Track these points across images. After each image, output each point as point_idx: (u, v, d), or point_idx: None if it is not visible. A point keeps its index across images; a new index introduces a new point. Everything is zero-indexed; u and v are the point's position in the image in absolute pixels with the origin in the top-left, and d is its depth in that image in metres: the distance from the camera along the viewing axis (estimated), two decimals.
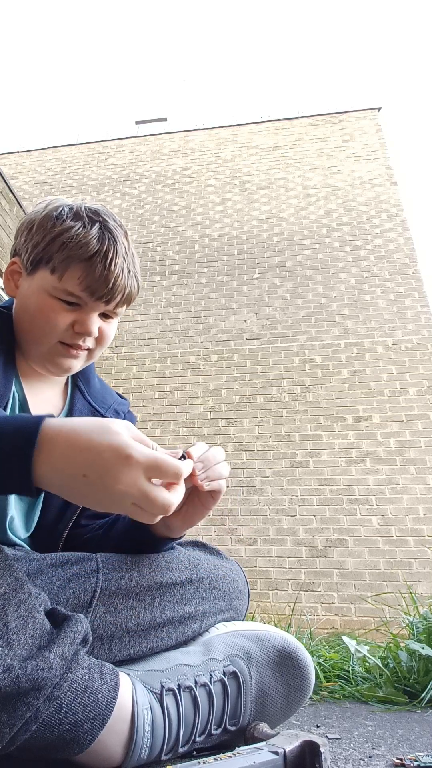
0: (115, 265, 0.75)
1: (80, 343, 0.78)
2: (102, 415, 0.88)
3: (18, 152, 9.00)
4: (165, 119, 9.71)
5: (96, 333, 0.78)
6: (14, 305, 0.82)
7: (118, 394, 1.00)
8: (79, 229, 0.74)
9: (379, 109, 8.01)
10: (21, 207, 5.31)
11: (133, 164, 8.30)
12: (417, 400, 5.31)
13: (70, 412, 0.86)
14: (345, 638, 1.65)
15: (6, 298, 0.91)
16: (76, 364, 0.81)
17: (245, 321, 6.22)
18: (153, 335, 6.29)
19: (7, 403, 0.74)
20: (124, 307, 0.81)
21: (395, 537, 4.62)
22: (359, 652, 1.55)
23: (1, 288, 4.65)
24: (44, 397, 0.83)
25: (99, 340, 0.80)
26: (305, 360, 5.79)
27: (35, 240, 0.76)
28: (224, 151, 8.07)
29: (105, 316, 0.80)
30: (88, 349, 0.80)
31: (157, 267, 6.90)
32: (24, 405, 0.78)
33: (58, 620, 0.56)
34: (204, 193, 7.59)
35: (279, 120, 8.23)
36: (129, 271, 0.78)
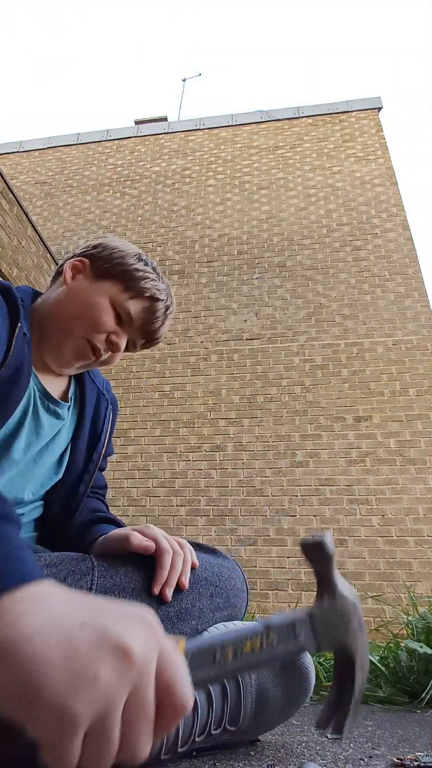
0: (167, 317, 0.92)
1: (102, 350, 0.86)
2: (102, 394, 0.99)
3: (18, 152, 8.99)
4: (165, 119, 9.71)
5: (120, 352, 0.88)
6: (54, 293, 0.90)
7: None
8: (156, 279, 0.90)
9: (379, 109, 8.01)
10: (21, 207, 5.31)
11: (133, 164, 8.30)
12: (417, 400, 5.31)
13: (82, 393, 0.95)
14: None
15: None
16: (78, 365, 0.88)
17: (245, 321, 6.22)
18: None
19: (30, 393, 0.82)
20: (142, 349, 0.95)
21: (395, 537, 4.62)
22: None
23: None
24: (54, 384, 0.90)
25: (109, 360, 0.89)
26: (305, 360, 5.79)
27: (118, 261, 0.88)
28: (224, 151, 8.06)
29: (125, 347, 0.91)
30: (95, 360, 0.87)
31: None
32: (46, 393, 0.85)
33: None
34: (204, 193, 7.59)
35: (279, 120, 8.23)
36: (167, 329, 0.95)
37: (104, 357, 0.87)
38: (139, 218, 7.53)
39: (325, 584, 0.50)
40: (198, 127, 8.50)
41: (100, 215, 7.72)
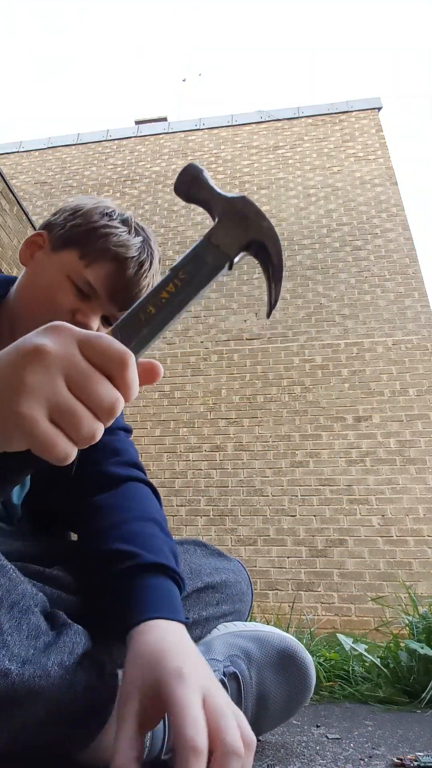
0: (144, 276, 0.74)
1: None
2: None
3: (18, 152, 8.99)
4: (165, 119, 9.71)
5: (94, 330, 0.73)
6: (20, 277, 0.79)
7: None
8: (123, 232, 0.74)
9: (379, 109, 8.01)
10: (21, 207, 5.31)
11: (133, 164, 8.30)
12: (417, 400, 5.31)
13: None
14: (340, 636, 1.65)
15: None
16: None
17: (245, 321, 6.22)
18: None
19: None
20: None
21: (395, 537, 4.62)
22: (355, 650, 1.56)
23: None
24: None
25: None
26: (305, 360, 5.79)
27: (76, 222, 0.74)
28: (224, 151, 8.06)
29: (106, 321, 0.76)
30: None
31: None
32: None
33: (57, 624, 0.55)
34: None
35: (279, 120, 8.23)
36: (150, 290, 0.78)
37: None
38: (139, 218, 7.51)
39: (211, 204, 0.49)
40: (198, 127, 8.51)
41: None
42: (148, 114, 10.21)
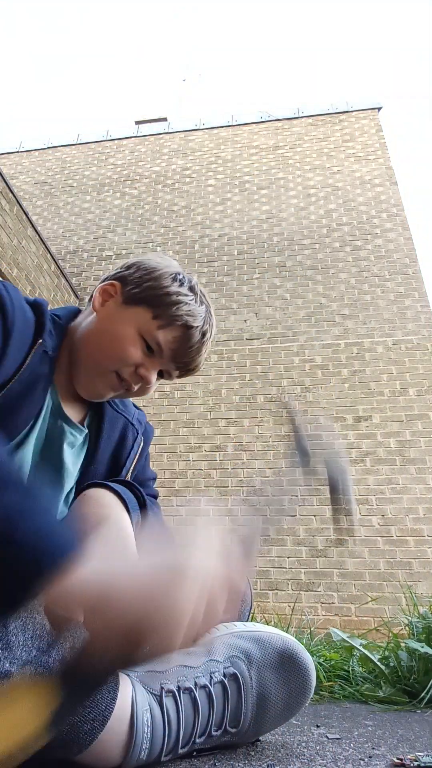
0: (204, 344, 0.86)
1: (132, 383, 0.82)
2: (132, 424, 0.94)
3: (18, 152, 8.99)
4: (165, 119, 9.71)
5: (151, 384, 0.83)
6: (86, 320, 0.85)
7: (134, 404, 1.02)
8: (192, 300, 0.84)
9: (379, 109, 8.01)
10: (21, 207, 5.31)
11: (133, 164, 8.30)
12: (417, 400, 5.31)
13: (99, 422, 0.88)
14: (333, 629, 1.65)
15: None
16: (110, 396, 0.85)
17: (245, 321, 6.22)
18: None
19: (42, 407, 0.79)
20: (179, 377, 0.89)
21: (395, 537, 4.62)
22: (345, 641, 1.56)
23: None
24: (73, 403, 0.86)
25: (141, 390, 0.84)
26: (305, 360, 5.79)
27: (151, 284, 0.82)
28: (224, 151, 8.06)
29: (159, 374, 0.86)
30: (127, 391, 0.83)
31: None
32: (59, 409, 0.81)
33: None
34: (204, 193, 7.59)
35: (279, 120, 8.23)
36: (204, 356, 0.89)
37: (135, 388, 0.83)
38: (139, 218, 7.53)
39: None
40: (198, 127, 8.51)
41: (100, 215, 7.72)
42: (148, 114, 10.20)
